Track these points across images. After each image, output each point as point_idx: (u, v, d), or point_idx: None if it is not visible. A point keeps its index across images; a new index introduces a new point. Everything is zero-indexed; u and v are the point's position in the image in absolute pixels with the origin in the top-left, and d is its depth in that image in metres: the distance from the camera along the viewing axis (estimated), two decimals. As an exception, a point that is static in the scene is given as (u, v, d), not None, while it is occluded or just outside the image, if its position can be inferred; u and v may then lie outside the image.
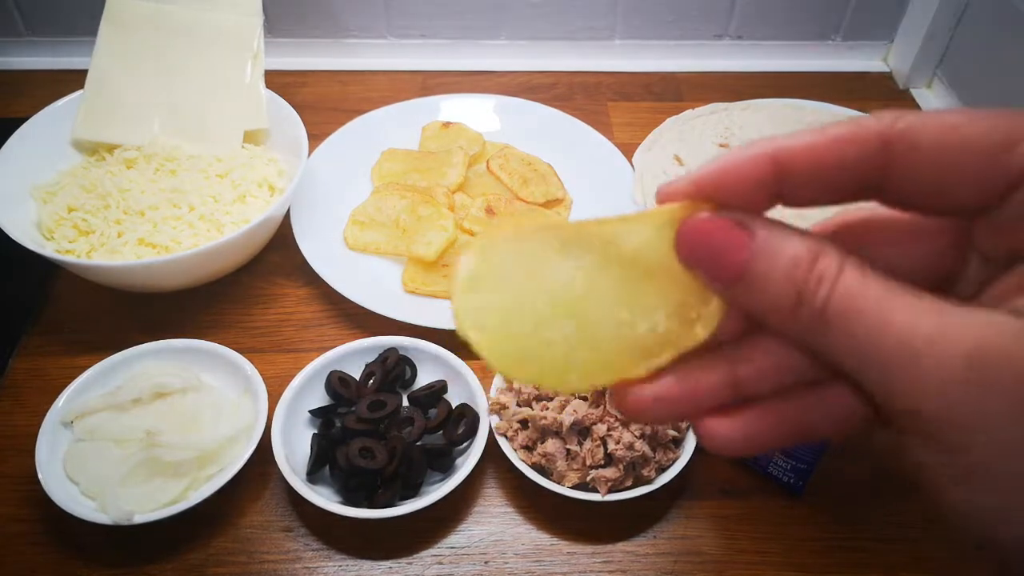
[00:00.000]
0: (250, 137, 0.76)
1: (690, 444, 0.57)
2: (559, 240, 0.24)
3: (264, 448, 0.57)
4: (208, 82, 0.75)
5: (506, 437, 0.57)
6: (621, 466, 0.54)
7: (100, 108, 0.74)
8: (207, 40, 0.75)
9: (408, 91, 0.95)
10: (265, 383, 0.60)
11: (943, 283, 0.25)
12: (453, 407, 0.59)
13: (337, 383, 0.60)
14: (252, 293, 0.72)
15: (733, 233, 0.23)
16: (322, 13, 0.96)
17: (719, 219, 0.24)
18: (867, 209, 0.26)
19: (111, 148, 0.74)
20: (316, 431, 0.58)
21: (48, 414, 0.57)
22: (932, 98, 0.97)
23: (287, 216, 0.73)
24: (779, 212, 0.24)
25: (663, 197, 0.25)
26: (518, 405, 0.58)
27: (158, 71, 0.75)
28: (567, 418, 0.55)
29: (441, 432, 0.58)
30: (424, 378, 0.63)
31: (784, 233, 0.23)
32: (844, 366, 0.23)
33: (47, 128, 0.73)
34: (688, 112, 0.86)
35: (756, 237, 0.23)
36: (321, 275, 0.69)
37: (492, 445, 0.58)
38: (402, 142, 0.85)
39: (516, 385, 0.58)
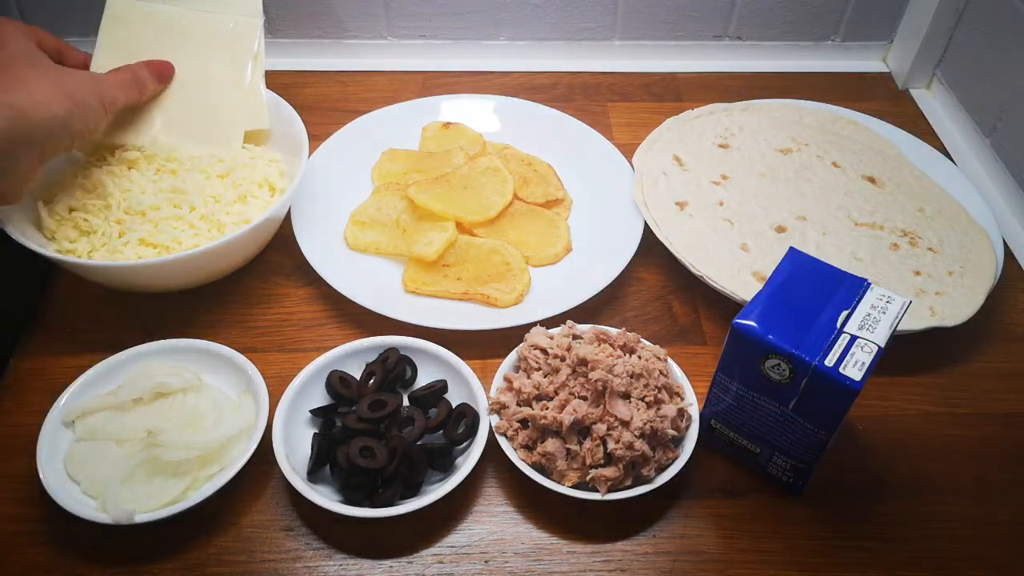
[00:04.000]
0: (251, 137, 0.76)
1: (690, 444, 0.57)
2: None
3: (265, 447, 0.57)
4: (209, 83, 0.75)
5: (506, 437, 0.57)
6: (621, 465, 0.54)
7: None
8: (207, 41, 0.75)
9: (408, 91, 0.95)
10: (266, 383, 0.60)
11: None
12: (453, 407, 0.60)
13: (338, 383, 0.60)
14: (253, 293, 0.72)
15: None
16: (322, 13, 0.96)
17: None
18: None
19: (112, 149, 0.74)
20: (317, 431, 0.59)
21: (49, 414, 0.57)
22: (931, 99, 0.97)
23: (288, 216, 0.73)
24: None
25: None
26: (518, 405, 0.58)
27: None
28: (567, 417, 0.55)
29: (441, 432, 0.58)
30: (424, 378, 0.63)
31: None
32: None
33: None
34: (688, 112, 0.86)
35: None
36: (321, 275, 0.69)
37: (492, 445, 0.58)
38: (402, 142, 0.86)
39: (516, 384, 0.58)
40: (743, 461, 0.59)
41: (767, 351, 0.50)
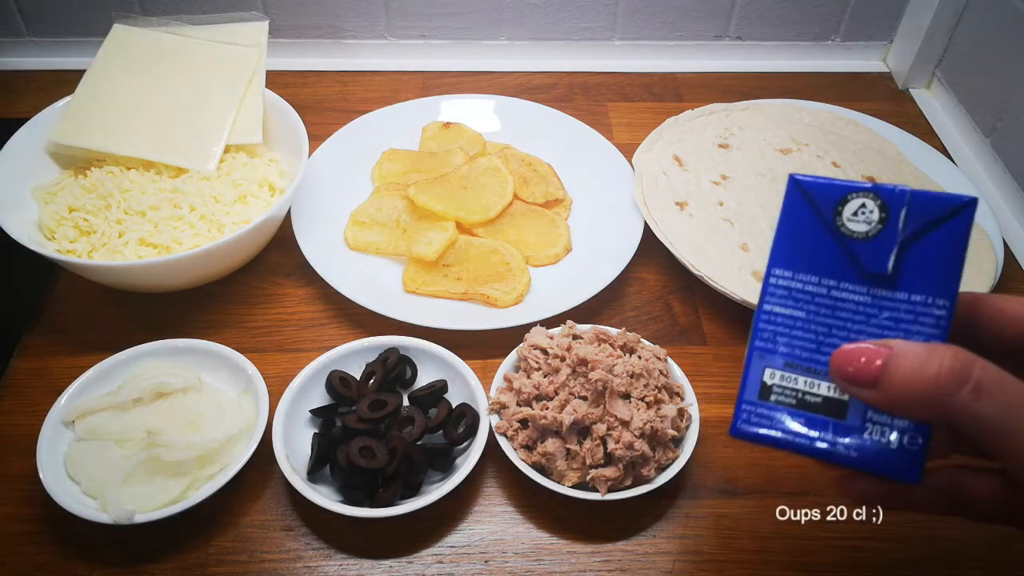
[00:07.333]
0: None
1: (690, 444, 0.57)
2: None
3: (265, 447, 0.57)
4: (200, 103, 0.74)
5: (506, 436, 0.57)
6: (621, 465, 0.54)
7: (83, 118, 0.73)
8: (205, 65, 0.75)
9: (408, 91, 0.95)
10: (266, 383, 0.60)
11: None
12: (453, 407, 0.60)
13: (338, 383, 0.60)
14: (253, 293, 0.72)
15: (870, 349, 0.33)
16: (322, 13, 0.96)
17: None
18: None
19: (98, 158, 0.73)
20: (317, 430, 0.59)
21: (49, 414, 0.57)
22: (931, 98, 0.97)
23: (288, 216, 0.73)
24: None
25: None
26: (518, 405, 0.58)
27: (150, 89, 0.74)
28: (567, 417, 0.55)
29: (441, 432, 0.58)
30: (424, 378, 0.63)
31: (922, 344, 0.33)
32: (988, 449, 0.32)
33: (48, 128, 0.73)
34: (688, 112, 0.86)
35: (893, 347, 0.33)
36: (322, 275, 0.69)
37: (492, 445, 0.58)
38: (402, 142, 0.86)
39: (516, 385, 0.58)
40: (815, 433, 0.38)
41: (845, 191, 0.40)
